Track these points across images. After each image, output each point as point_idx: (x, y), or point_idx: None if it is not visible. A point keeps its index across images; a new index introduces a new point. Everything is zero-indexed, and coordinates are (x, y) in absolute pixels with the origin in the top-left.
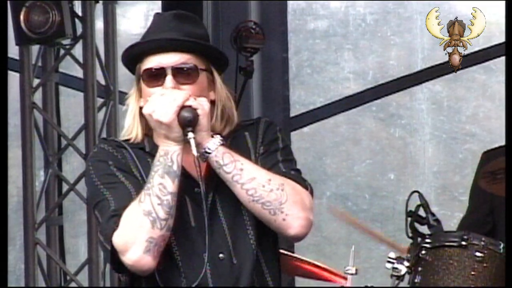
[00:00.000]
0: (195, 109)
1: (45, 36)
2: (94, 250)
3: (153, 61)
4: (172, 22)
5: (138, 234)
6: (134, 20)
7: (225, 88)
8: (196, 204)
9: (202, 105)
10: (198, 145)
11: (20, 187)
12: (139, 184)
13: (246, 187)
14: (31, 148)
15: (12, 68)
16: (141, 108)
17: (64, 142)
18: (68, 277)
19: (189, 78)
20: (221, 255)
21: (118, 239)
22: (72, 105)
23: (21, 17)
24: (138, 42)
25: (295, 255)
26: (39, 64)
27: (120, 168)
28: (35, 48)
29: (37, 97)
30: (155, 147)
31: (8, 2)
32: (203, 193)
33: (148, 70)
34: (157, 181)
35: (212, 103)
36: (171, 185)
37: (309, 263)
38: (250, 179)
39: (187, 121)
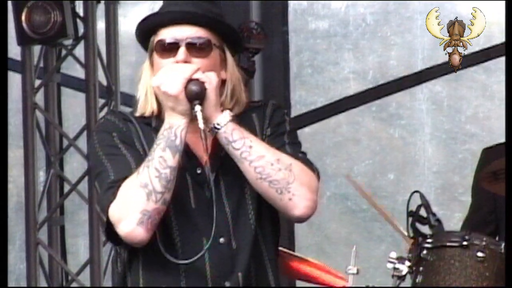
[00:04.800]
0: (203, 83)
1: (46, 37)
2: (95, 250)
3: (167, 33)
4: None
5: (132, 205)
6: (136, 20)
7: (237, 69)
8: (198, 185)
9: (210, 78)
10: (207, 120)
11: (20, 187)
12: (141, 158)
13: (254, 165)
14: (33, 148)
15: (14, 68)
16: None
17: (65, 142)
18: (69, 277)
19: (202, 52)
20: (221, 239)
21: (113, 210)
22: (73, 105)
23: (23, 17)
24: (154, 13)
25: (295, 253)
26: (41, 64)
27: (124, 140)
28: (36, 49)
29: (39, 98)
30: (160, 124)
31: (10, 2)
32: (207, 170)
33: (162, 41)
34: (157, 154)
35: (223, 82)
36: (171, 159)
37: (309, 263)
38: (258, 157)
39: (194, 94)
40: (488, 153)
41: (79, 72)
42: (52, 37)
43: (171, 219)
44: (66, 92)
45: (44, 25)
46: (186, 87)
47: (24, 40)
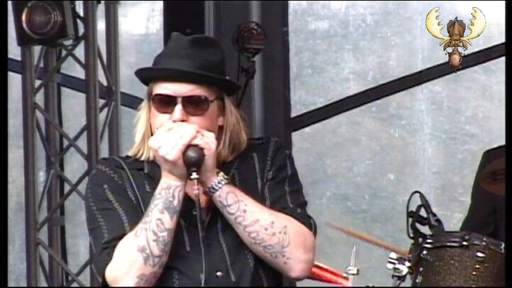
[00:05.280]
0: (201, 149)
1: (47, 37)
2: None
3: (164, 88)
4: (188, 49)
5: (130, 269)
6: (136, 20)
7: (235, 112)
8: (193, 227)
9: (209, 144)
10: (202, 183)
11: (20, 188)
12: (133, 208)
13: (249, 230)
14: (33, 149)
15: (14, 69)
16: (151, 125)
17: (66, 143)
18: (70, 278)
19: (199, 109)
20: (218, 273)
21: (110, 272)
22: (73, 105)
23: (23, 17)
24: (151, 67)
25: None
26: (41, 64)
27: (115, 191)
28: (37, 49)
29: (39, 98)
30: (153, 169)
31: (10, 2)
32: (200, 231)
33: (159, 95)
34: (155, 216)
35: (221, 128)
36: (169, 221)
37: None
38: (253, 222)
39: (193, 162)
40: (489, 156)
41: (79, 73)
42: (52, 37)
43: (167, 261)
44: (66, 92)
45: (44, 25)
46: (184, 153)
47: (24, 40)
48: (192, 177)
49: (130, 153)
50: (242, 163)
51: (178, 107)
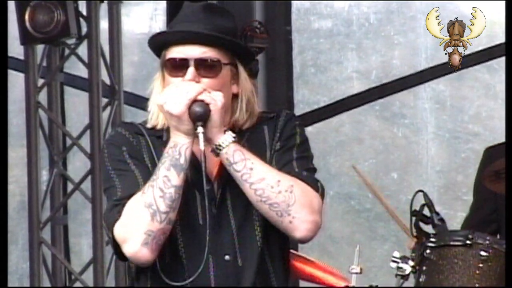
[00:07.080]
0: (207, 104)
1: (50, 36)
2: (98, 250)
3: (177, 52)
4: (201, 14)
5: (137, 226)
6: (139, 19)
7: (250, 81)
8: (205, 201)
9: (215, 100)
10: (209, 140)
11: (23, 187)
12: (149, 174)
13: (255, 187)
14: (36, 148)
15: (17, 68)
16: None
17: (69, 142)
18: (72, 277)
19: (211, 71)
20: (226, 256)
21: (118, 229)
22: (76, 104)
23: (26, 16)
24: (164, 31)
25: (299, 253)
26: (44, 63)
27: (133, 155)
28: (40, 48)
29: (42, 97)
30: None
31: (13, 1)
32: (205, 188)
33: (172, 59)
34: (162, 173)
35: (235, 96)
36: (176, 178)
37: (313, 264)
38: (259, 179)
39: (198, 116)
40: (491, 153)
41: (82, 71)
42: (55, 36)
43: (178, 235)
44: (69, 91)
45: (47, 25)
46: (190, 108)
47: (27, 40)
48: (197, 131)
49: (148, 125)
50: (253, 136)
51: (191, 69)
